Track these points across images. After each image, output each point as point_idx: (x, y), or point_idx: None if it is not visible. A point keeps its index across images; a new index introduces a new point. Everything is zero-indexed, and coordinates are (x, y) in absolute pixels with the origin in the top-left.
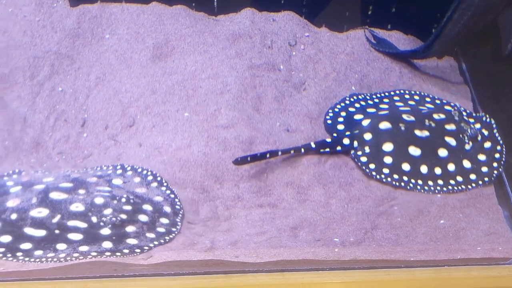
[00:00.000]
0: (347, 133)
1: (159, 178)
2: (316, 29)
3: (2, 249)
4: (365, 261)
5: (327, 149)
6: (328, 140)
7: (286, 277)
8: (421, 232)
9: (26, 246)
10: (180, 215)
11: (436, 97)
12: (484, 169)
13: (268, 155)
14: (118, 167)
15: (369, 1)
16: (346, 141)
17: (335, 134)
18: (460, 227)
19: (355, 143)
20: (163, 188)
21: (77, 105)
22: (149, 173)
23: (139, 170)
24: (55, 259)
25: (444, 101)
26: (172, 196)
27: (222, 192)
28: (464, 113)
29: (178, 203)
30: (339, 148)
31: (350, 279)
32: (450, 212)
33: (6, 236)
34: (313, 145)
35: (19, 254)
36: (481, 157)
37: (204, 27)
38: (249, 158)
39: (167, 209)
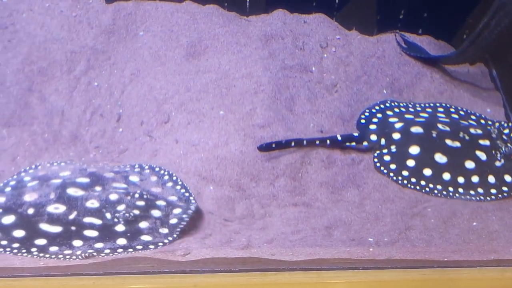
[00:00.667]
0: (377, 130)
1: (174, 178)
2: (347, 32)
3: (17, 244)
4: (399, 260)
5: (353, 143)
6: (356, 134)
7: (321, 275)
8: (454, 234)
9: (41, 242)
10: (193, 205)
11: (482, 116)
12: (505, 188)
13: (293, 143)
14: (136, 166)
15: (400, 5)
16: (373, 137)
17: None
18: (493, 229)
19: (382, 141)
20: (178, 187)
21: (112, 100)
22: (165, 172)
23: (157, 169)
24: (73, 257)
25: (489, 122)
26: (187, 194)
27: (258, 191)
28: (506, 130)
29: (193, 201)
30: (365, 143)
31: (384, 278)
32: (483, 215)
33: (21, 231)
34: (339, 138)
35: (33, 249)
36: (508, 178)
37: (237, 27)
38: (273, 145)
39: (178, 210)
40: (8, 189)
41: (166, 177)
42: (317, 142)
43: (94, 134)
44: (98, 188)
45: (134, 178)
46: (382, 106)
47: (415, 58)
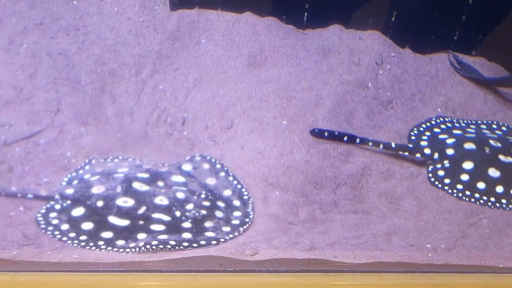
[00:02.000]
0: (430, 145)
1: (226, 168)
2: (401, 50)
3: (84, 237)
4: (456, 266)
5: (406, 153)
6: (410, 145)
7: (382, 277)
8: (509, 243)
9: (108, 235)
10: (250, 205)
11: None
12: None
13: (345, 138)
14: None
15: (455, 26)
16: (427, 150)
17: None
18: None
19: (436, 155)
20: (230, 178)
21: (177, 104)
22: (217, 161)
23: (208, 157)
24: (136, 249)
25: None
26: (239, 186)
27: (320, 197)
28: None
29: (246, 192)
30: (418, 155)
31: (441, 282)
32: None
33: (89, 223)
34: (393, 145)
35: (100, 243)
36: None
37: (295, 40)
38: (326, 133)
39: (237, 202)
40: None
41: (218, 166)
42: (370, 143)
43: (161, 135)
44: (160, 183)
45: (187, 167)
46: (428, 124)
47: (469, 79)
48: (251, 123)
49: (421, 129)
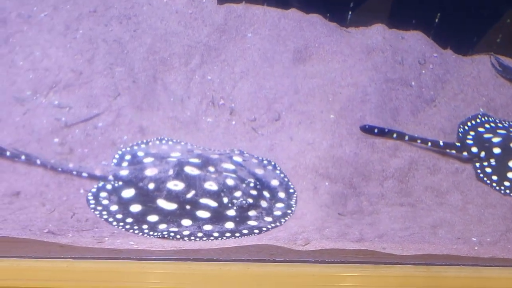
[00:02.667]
0: (476, 144)
1: (273, 163)
2: (442, 51)
3: (130, 219)
4: (502, 259)
5: (453, 151)
6: (458, 143)
7: (430, 270)
8: None
9: (153, 218)
10: (294, 198)
11: None
12: None
13: (395, 135)
14: (236, 150)
15: (497, 29)
16: (474, 149)
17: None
18: None
19: (482, 153)
20: (277, 172)
21: (224, 94)
22: (264, 158)
23: (255, 156)
24: (177, 236)
25: None
26: (286, 179)
27: (368, 190)
28: None
29: (292, 186)
30: (465, 153)
31: (488, 275)
32: None
33: (138, 205)
34: (441, 143)
35: (145, 227)
36: None
37: (340, 38)
38: (376, 130)
39: (282, 194)
40: (125, 163)
41: (266, 162)
42: (419, 141)
43: (210, 124)
44: (211, 169)
45: (237, 159)
46: (473, 122)
47: (510, 81)
48: (298, 116)
49: (466, 127)
